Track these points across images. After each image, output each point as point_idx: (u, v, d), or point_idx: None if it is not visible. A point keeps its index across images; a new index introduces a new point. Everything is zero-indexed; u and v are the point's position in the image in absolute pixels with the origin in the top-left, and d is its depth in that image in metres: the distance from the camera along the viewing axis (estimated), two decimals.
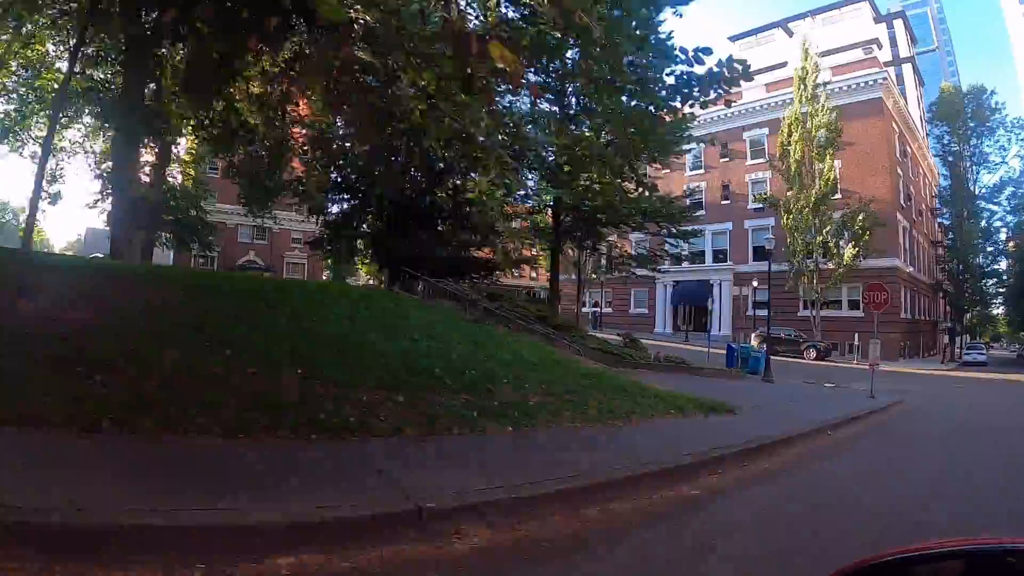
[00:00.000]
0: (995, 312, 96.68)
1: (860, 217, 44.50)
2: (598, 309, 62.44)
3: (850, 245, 43.46)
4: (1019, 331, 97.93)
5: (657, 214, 33.32)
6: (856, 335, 44.42)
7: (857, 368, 39.38)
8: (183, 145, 31.13)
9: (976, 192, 56.55)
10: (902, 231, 51.31)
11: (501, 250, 38.52)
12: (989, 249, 58.27)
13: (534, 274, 68.14)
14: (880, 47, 71.80)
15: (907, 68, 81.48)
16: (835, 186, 45.70)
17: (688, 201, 44.16)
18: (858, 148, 49.01)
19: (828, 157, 44.91)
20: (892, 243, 47.86)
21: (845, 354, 46.50)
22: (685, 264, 56.60)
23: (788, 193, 46.93)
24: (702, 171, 57.96)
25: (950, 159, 57.54)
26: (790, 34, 64.24)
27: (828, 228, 44.82)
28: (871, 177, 48.46)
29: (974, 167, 56.84)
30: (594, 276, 60.37)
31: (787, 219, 46.53)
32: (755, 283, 49.02)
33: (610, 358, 22.82)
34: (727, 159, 56.01)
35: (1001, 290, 64.80)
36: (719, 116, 55.68)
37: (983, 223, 57.22)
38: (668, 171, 60.51)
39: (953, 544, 1.46)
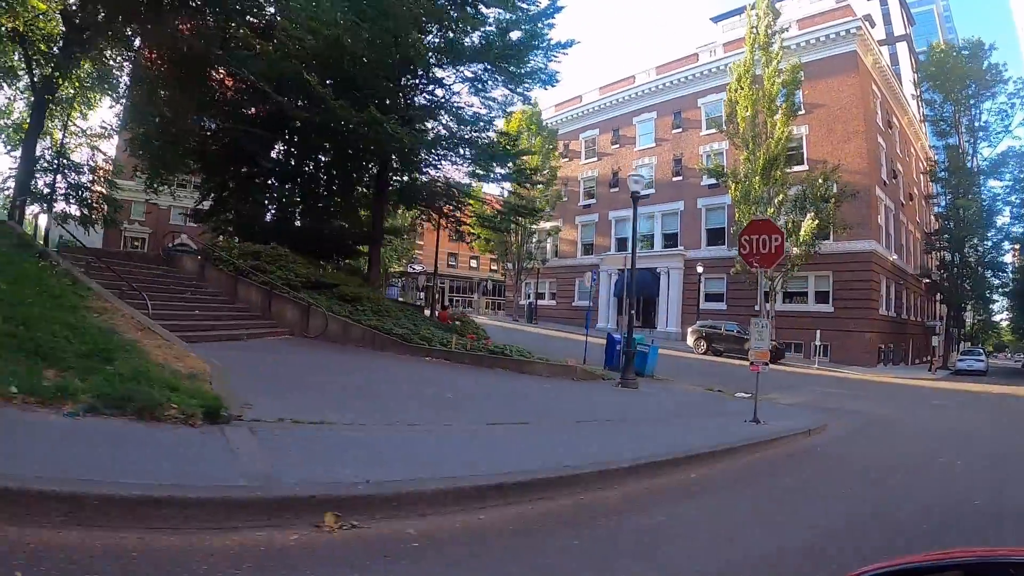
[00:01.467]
0: (998, 318, 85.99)
1: (820, 182, 34.78)
2: (532, 301, 52.81)
3: (808, 217, 33.63)
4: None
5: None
6: (819, 333, 34.60)
7: (814, 374, 30.71)
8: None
9: (975, 167, 46.14)
10: (884, 212, 41.55)
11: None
12: (990, 234, 47.97)
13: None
14: (873, 24, 62.59)
15: (902, 49, 72.36)
16: (788, 148, 36.21)
17: None
18: (829, 110, 40.25)
19: (783, 112, 35.14)
20: (870, 223, 38.03)
21: (811, 355, 36.73)
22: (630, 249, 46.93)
23: (739, 159, 37.34)
24: (652, 144, 48.61)
25: (943, 126, 47.12)
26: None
27: (780, 197, 34.98)
28: (844, 144, 39.20)
29: (972, 138, 46.49)
30: (529, 264, 51.46)
31: (734, 190, 36.92)
32: (700, 269, 39.67)
33: (389, 341, 17.45)
34: (680, 129, 46.64)
35: (1005, 289, 54.41)
36: (672, 82, 46.53)
37: (984, 203, 46.95)
38: (617, 146, 52.37)
39: (957, 555, 1.44)
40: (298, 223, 28.35)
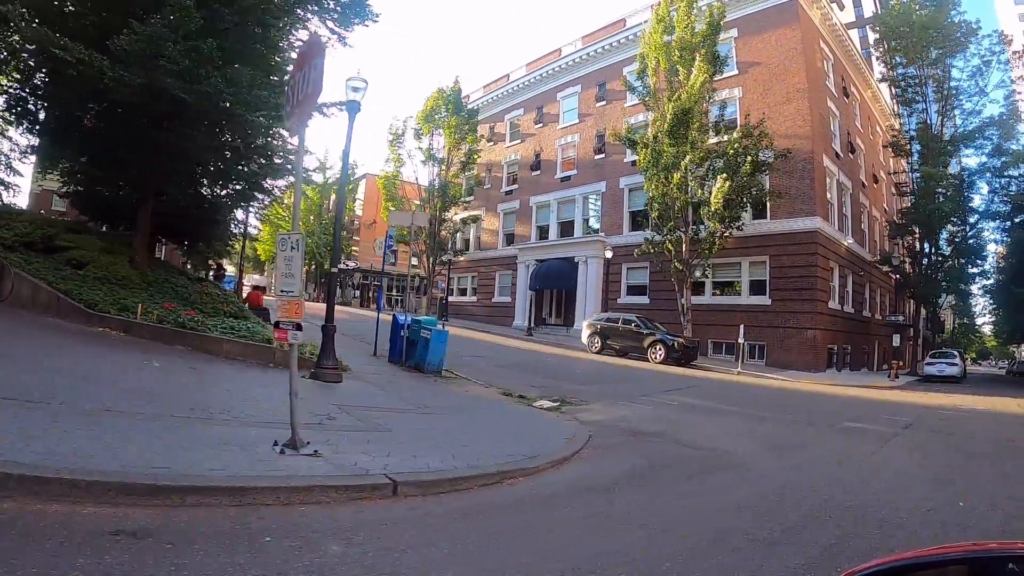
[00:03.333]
0: (980, 322, 77.84)
1: (736, 136, 27.45)
2: (444, 296, 45.28)
3: (721, 177, 26.13)
4: (1010, 343, 77.58)
5: None
6: (742, 328, 27.00)
7: (718, 379, 23.72)
8: None
9: (945, 136, 37.90)
10: (837, 188, 34.06)
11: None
12: (972, 220, 40.05)
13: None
14: (842, 7, 55.32)
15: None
16: (703, 99, 28.85)
17: None
18: (766, 69, 32.94)
19: (701, 58, 27.80)
20: (814, 197, 30.40)
21: (740, 356, 29.09)
22: (552, 237, 39.81)
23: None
24: (576, 121, 41.33)
25: (910, 93, 38.95)
26: None
27: (688, 159, 27.48)
28: (783, 105, 31.81)
29: (944, 104, 38.31)
30: (444, 256, 44.11)
31: (642, 156, 29.44)
32: (609, 254, 32.16)
33: (72, 307, 13.14)
34: (604, 103, 39.34)
35: (985, 282, 46.38)
36: (598, 51, 39.56)
37: (961, 177, 38.95)
38: (541, 125, 44.97)
39: (956, 550, 1.44)
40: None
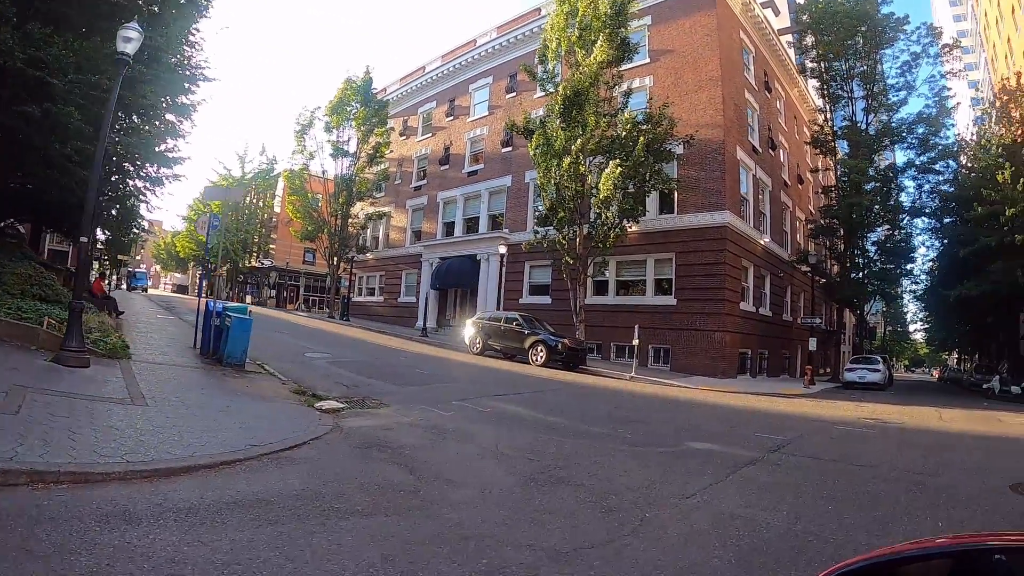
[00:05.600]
0: (912, 328, 76.31)
1: (627, 117, 24.37)
2: (345, 295, 41.61)
3: (612, 163, 22.81)
4: (941, 351, 75.96)
5: None
6: (636, 329, 23.71)
7: (596, 385, 19.40)
8: None
9: (871, 132, 35.17)
10: (752, 183, 31.00)
11: None
12: (902, 222, 37.44)
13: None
14: (777, 14, 53.10)
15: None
16: (605, 83, 25.65)
17: None
18: (679, 57, 29.84)
19: (603, 37, 24.59)
20: (725, 190, 27.22)
21: (635, 360, 25.99)
22: (458, 234, 36.34)
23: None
24: (486, 113, 37.90)
25: (830, 83, 36.18)
26: None
27: (580, 142, 24.15)
28: (695, 93, 28.79)
29: (871, 101, 35.64)
30: (348, 253, 40.49)
31: (533, 144, 26.07)
32: (502, 250, 28.72)
33: None
34: (514, 94, 36.01)
35: (914, 286, 43.92)
36: (512, 41, 36.72)
37: (885, 169, 36.23)
38: (452, 118, 41.53)
39: (941, 543, 1.42)
40: None
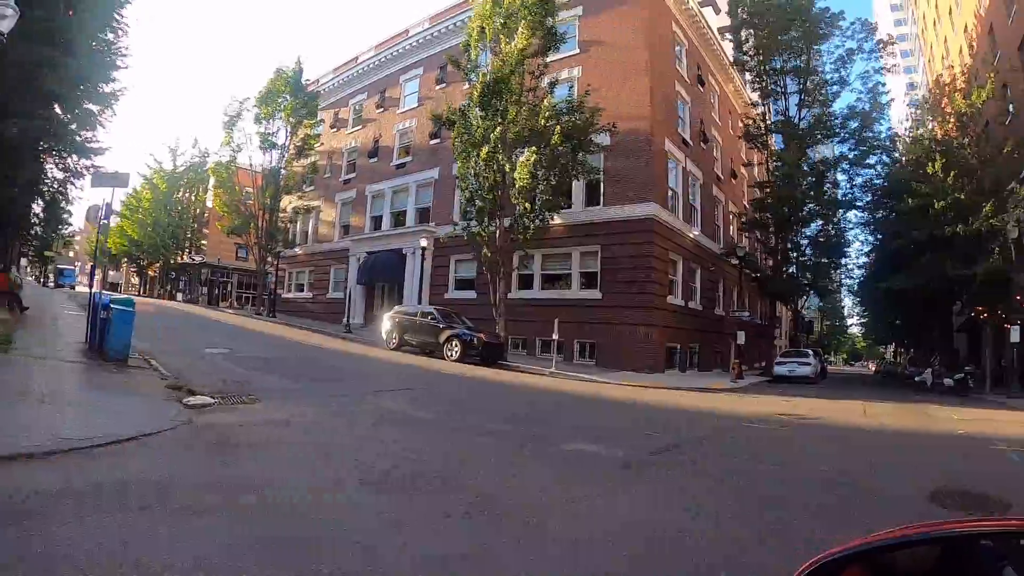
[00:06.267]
0: (849, 322, 77.10)
1: (547, 104, 23.54)
2: (271, 291, 40.11)
3: (529, 150, 21.82)
4: (878, 344, 76.81)
5: None
6: (556, 323, 22.74)
7: (501, 381, 18.32)
8: None
9: (802, 126, 34.77)
10: (682, 175, 30.33)
11: None
12: (835, 218, 37.25)
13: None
14: (718, 12, 52.54)
15: None
16: (528, 71, 24.61)
17: None
18: (609, 48, 28.74)
19: (525, 24, 23.50)
20: (653, 182, 26.40)
21: (575, 356, 25.20)
22: (385, 227, 35.04)
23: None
24: (416, 105, 36.52)
25: (763, 76, 35.69)
26: None
27: (499, 130, 23.16)
28: (623, 83, 27.75)
29: (805, 95, 35.27)
30: (276, 249, 38.91)
31: (454, 134, 25.19)
32: (424, 243, 27.52)
33: None
34: (443, 85, 34.57)
35: (848, 279, 43.81)
36: (444, 31, 35.64)
37: (817, 163, 35.74)
38: (382, 110, 40.15)
39: (926, 529, 1.36)
40: None
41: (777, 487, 6.90)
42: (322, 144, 42.16)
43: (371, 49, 41.59)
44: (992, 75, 28.24)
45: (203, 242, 55.98)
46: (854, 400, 21.04)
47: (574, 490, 6.11)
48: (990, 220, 24.89)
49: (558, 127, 22.62)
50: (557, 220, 27.41)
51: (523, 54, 23.88)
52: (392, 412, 10.22)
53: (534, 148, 22.05)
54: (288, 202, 40.62)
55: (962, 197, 26.58)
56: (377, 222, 37.21)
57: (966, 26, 37.62)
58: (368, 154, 38.97)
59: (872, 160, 35.65)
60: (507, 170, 23.15)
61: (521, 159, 22.08)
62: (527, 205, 23.26)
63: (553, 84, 25.69)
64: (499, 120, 23.67)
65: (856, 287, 47.30)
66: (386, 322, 24.87)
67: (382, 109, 39.00)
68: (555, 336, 22.80)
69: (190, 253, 55.81)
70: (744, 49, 35.83)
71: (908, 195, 29.07)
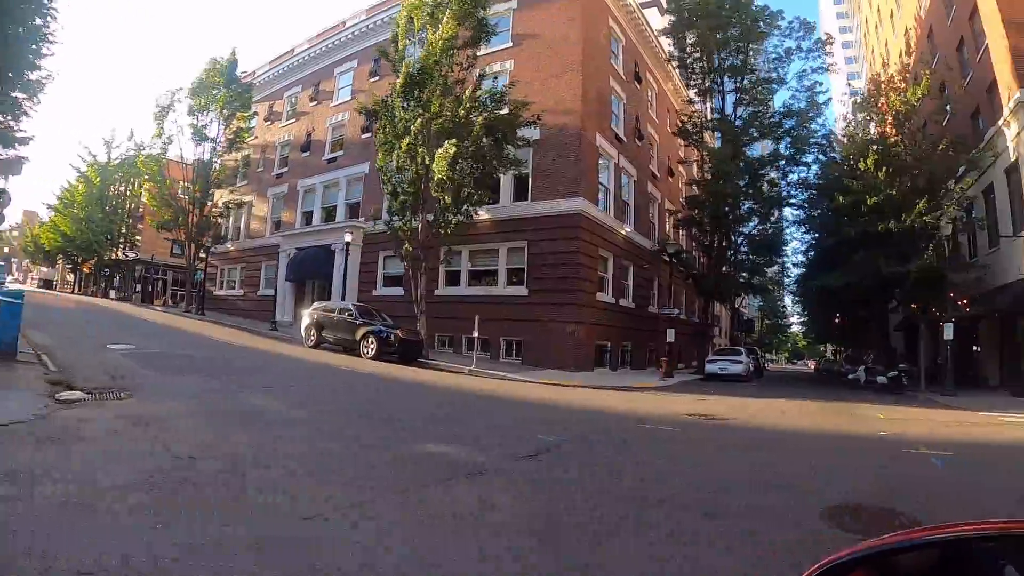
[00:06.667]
0: (790, 321, 77.93)
1: (467, 95, 22.91)
2: (201, 289, 38.87)
3: (449, 142, 21.05)
4: (818, 343, 77.41)
5: None
6: (476, 321, 22.16)
7: (402, 379, 17.47)
8: None
9: (737, 124, 34.55)
10: (614, 171, 29.86)
11: None
12: (773, 218, 37.14)
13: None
14: (663, 13, 52.34)
15: None
16: (458, 63, 23.79)
17: None
18: (543, 41, 28.18)
19: (449, 15, 22.88)
20: (581, 177, 25.87)
21: (501, 355, 24.79)
22: (316, 223, 34.09)
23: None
24: (349, 98, 35.40)
25: (693, 68, 35.41)
26: None
27: (420, 121, 22.52)
28: (555, 78, 27.27)
29: (740, 92, 35.10)
30: (209, 244, 37.61)
31: (378, 127, 24.79)
32: (348, 237, 26.69)
33: None
34: (376, 78, 33.67)
35: (785, 278, 43.82)
36: (380, 23, 34.24)
37: (752, 160, 35.44)
38: (316, 103, 39.02)
39: (926, 533, 1.31)
40: None
41: (631, 506, 5.76)
42: (256, 138, 40.97)
43: (307, 41, 40.47)
44: (928, 72, 28.15)
45: (138, 238, 54.08)
46: (779, 399, 20.17)
47: (367, 496, 5.38)
48: (924, 217, 24.85)
49: (480, 119, 21.94)
50: (484, 215, 26.75)
51: (449, 44, 23.16)
52: (258, 410, 9.46)
53: (454, 140, 21.26)
54: (220, 196, 39.33)
55: (894, 194, 26.31)
56: (308, 217, 36.14)
57: (906, 29, 37.86)
58: (301, 148, 37.84)
59: (809, 159, 35.60)
60: (427, 163, 22.37)
61: (439, 151, 21.31)
62: (447, 199, 22.51)
63: (482, 76, 25.03)
64: (421, 111, 22.93)
65: (792, 285, 47.20)
66: (305, 319, 24.00)
67: (316, 102, 37.90)
68: (476, 334, 22.15)
69: (124, 249, 53.83)
70: (683, 47, 35.47)
71: (840, 192, 28.92)
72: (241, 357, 18.07)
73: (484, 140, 22.55)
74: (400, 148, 22.72)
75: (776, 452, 9.89)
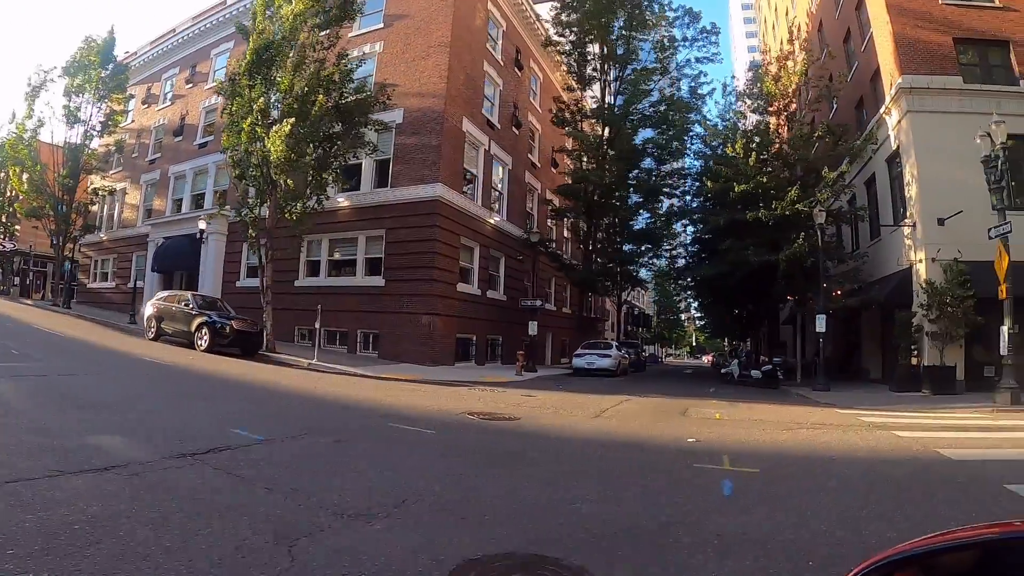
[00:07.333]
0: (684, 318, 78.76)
1: (310, 72, 21.83)
2: (68, 280, 36.82)
3: (287, 121, 19.93)
4: (714, 338, 78.34)
5: None
6: (319, 310, 21.27)
7: (246, 376, 16.60)
8: None
9: (616, 110, 34.24)
10: (483, 158, 29.32)
11: None
12: (659, 207, 37.03)
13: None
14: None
15: None
16: (312, 42, 22.54)
17: None
18: (412, 22, 27.38)
19: None
20: (441, 162, 25.08)
21: (359, 348, 23.92)
22: (185, 210, 32.52)
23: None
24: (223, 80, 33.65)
25: (572, 54, 34.94)
26: None
27: (262, 100, 21.46)
28: (422, 60, 26.56)
29: (622, 82, 34.79)
30: (79, 234, 35.61)
31: (226, 107, 23.66)
32: (203, 225, 25.42)
33: None
34: None
35: (672, 269, 43.82)
36: (246, 6, 32.04)
37: (630, 148, 35.02)
38: (191, 86, 37.19)
39: (968, 534, 1.28)
40: None
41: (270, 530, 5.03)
42: (133, 121, 39.06)
43: (190, 19, 38.58)
44: (803, 58, 27.80)
45: (16, 228, 50.93)
46: (631, 396, 17.66)
47: None
48: (796, 206, 24.35)
49: (321, 98, 20.84)
50: (344, 202, 25.86)
51: (301, 19, 22.04)
52: None
53: (292, 119, 20.14)
54: (91, 183, 37.28)
55: (765, 181, 25.69)
56: (179, 205, 34.49)
57: (800, 26, 38.11)
58: (174, 132, 36.11)
59: (692, 149, 35.54)
60: (267, 143, 21.25)
61: (274, 129, 20.23)
62: (288, 183, 21.44)
63: (342, 56, 23.88)
64: (265, 90, 21.81)
65: (675, 277, 46.70)
66: (147, 310, 22.70)
67: (192, 85, 36.19)
68: (318, 325, 21.30)
69: (3, 240, 50.57)
70: (562, 32, 34.93)
71: (710, 179, 28.66)
72: (65, 352, 16.67)
73: (334, 123, 21.61)
74: (244, 128, 21.49)
75: (547, 461, 7.93)
